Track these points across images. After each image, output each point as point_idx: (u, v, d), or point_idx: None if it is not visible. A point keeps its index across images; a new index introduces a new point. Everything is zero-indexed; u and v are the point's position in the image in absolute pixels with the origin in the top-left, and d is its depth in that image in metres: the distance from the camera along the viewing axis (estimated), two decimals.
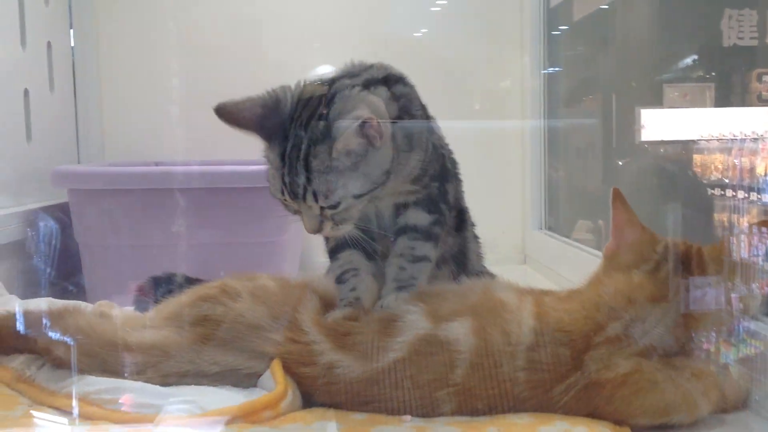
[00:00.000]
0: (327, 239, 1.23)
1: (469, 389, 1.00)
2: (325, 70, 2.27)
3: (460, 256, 1.30)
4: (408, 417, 1.01)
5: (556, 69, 2.36)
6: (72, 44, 2.35)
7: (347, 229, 1.11)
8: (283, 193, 1.08)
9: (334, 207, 1.06)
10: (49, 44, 2.16)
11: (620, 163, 2.09)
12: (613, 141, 2.09)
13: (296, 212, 1.11)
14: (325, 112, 1.06)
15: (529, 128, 2.34)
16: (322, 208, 1.07)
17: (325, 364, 1.06)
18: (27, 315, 1.24)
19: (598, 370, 0.98)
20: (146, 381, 1.09)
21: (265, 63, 2.36)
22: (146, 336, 1.14)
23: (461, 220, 1.30)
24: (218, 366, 1.10)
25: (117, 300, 1.48)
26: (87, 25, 2.36)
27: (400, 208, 1.20)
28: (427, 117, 1.21)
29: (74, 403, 1.05)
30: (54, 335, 1.16)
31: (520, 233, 2.39)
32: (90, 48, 2.37)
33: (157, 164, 2.31)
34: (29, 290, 1.69)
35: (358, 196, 1.07)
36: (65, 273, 1.79)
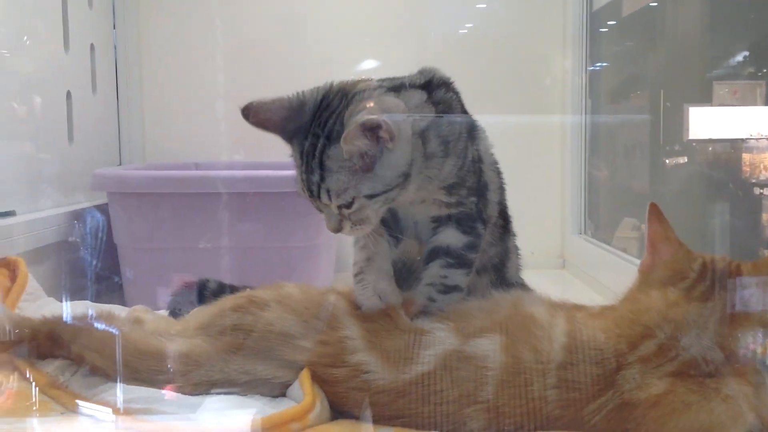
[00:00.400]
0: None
1: (497, 407, 0.97)
2: (370, 65, 2.28)
3: (500, 266, 1.27)
4: None
5: (602, 65, 2.31)
6: (115, 46, 2.37)
7: (367, 230, 1.11)
8: (303, 192, 1.09)
9: (347, 206, 1.07)
10: (92, 46, 2.19)
11: (667, 161, 2.05)
12: (661, 138, 2.04)
13: (320, 210, 1.11)
14: (341, 112, 1.06)
15: (569, 126, 2.29)
16: (339, 207, 1.07)
17: (354, 365, 1.04)
18: (63, 320, 1.26)
19: (630, 390, 0.94)
20: (176, 390, 1.09)
21: (310, 60, 2.36)
22: (176, 345, 1.14)
23: (505, 229, 1.27)
24: (248, 375, 1.09)
25: (160, 293, 1.48)
26: (130, 26, 2.38)
27: (436, 225, 1.18)
28: (471, 127, 1.19)
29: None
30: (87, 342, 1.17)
31: (560, 237, 2.35)
32: (132, 49, 2.39)
33: (197, 165, 2.32)
34: (69, 292, 1.71)
35: (370, 197, 1.07)
36: (104, 274, 1.81)
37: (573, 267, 2.28)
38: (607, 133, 2.31)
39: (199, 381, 1.10)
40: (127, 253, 1.79)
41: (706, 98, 1.80)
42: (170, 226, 1.75)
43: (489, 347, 1.00)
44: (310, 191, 1.07)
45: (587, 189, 2.28)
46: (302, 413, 1.01)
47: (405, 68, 2.40)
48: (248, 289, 1.25)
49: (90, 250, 1.83)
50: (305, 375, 1.06)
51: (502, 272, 1.27)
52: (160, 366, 1.12)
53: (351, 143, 1.02)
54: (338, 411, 1.06)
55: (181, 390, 1.09)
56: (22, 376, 1.18)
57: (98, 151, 2.23)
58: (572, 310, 1.07)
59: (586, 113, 2.27)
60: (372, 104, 1.05)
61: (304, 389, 1.04)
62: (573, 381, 0.95)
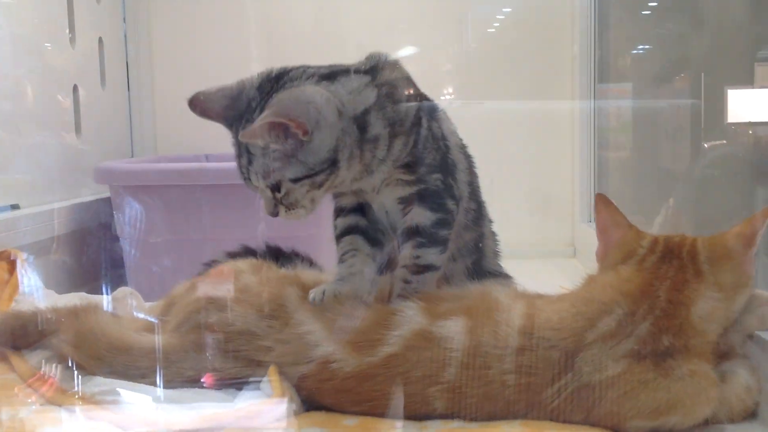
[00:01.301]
0: (335, 227, 1.24)
1: (458, 388, 0.98)
2: (408, 52, 2.28)
3: (476, 251, 1.27)
4: (400, 423, 1.00)
5: (644, 48, 2.27)
6: (125, 39, 2.39)
7: (301, 215, 1.14)
8: (241, 174, 1.14)
9: (276, 189, 1.11)
10: (100, 40, 2.21)
11: (706, 145, 2.00)
12: (702, 122, 2.00)
13: (260, 195, 1.16)
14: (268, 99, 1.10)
15: (578, 112, 2.27)
16: (271, 191, 1.11)
17: (319, 358, 1.05)
18: (47, 313, 1.28)
19: (589, 373, 0.94)
20: (152, 383, 1.11)
21: (343, 48, 2.36)
22: (150, 340, 1.16)
23: (479, 213, 1.27)
24: (220, 372, 1.11)
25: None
26: (140, 19, 2.41)
27: (404, 206, 1.18)
28: (424, 107, 1.20)
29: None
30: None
31: (570, 226, 2.33)
32: (143, 42, 2.41)
33: (207, 157, 2.33)
34: (72, 284, 1.74)
35: (294, 180, 1.11)
36: (109, 266, 1.84)
37: (583, 256, 2.26)
38: (645, 118, 2.26)
39: (171, 377, 1.11)
40: (129, 246, 1.81)
41: (748, 81, 1.76)
42: (170, 217, 1.77)
43: (454, 329, 1.01)
44: (243, 174, 1.13)
45: (596, 175, 2.25)
46: (272, 406, 1.02)
47: (444, 54, 2.39)
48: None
49: (94, 243, 1.87)
50: (272, 371, 1.07)
51: (478, 258, 1.26)
52: (133, 362, 1.14)
53: (253, 139, 1.07)
54: (310, 403, 1.08)
55: (155, 384, 1.11)
56: (10, 366, 1.21)
57: (109, 144, 2.26)
58: (534, 297, 1.08)
59: (594, 98, 2.24)
60: (283, 98, 1.09)
61: (272, 385, 1.05)
62: (530, 366, 0.95)
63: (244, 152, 1.11)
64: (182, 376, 1.11)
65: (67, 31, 2.01)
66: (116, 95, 2.33)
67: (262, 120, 1.05)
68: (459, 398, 0.98)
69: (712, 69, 1.90)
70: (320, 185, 1.12)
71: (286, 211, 1.14)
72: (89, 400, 1.07)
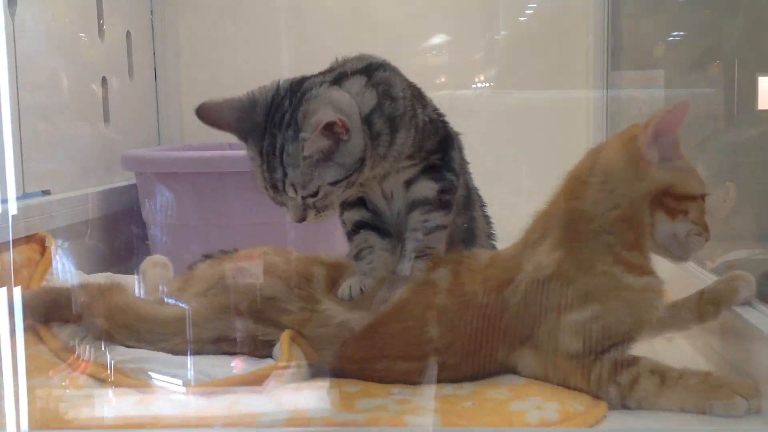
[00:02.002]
0: (344, 222, 1.30)
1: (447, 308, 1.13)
2: (440, 40, 2.33)
3: (469, 235, 1.33)
4: (396, 389, 1.07)
5: (679, 35, 2.28)
6: (152, 32, 2.48)
7: (330, 216, 1.19)
8: (266, 188, 1.17)
9: (314, 195, 1.15)
10: (128, 33, 2.30)
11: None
12: (735, 110, 2.01)
13: (282, 204, 1.19)
14: (294, 111, 1.14)
15: (592, 101, 2.30)
16: (303, 197, 1.15)
17: (338, 324, 1.16)
18: (79, 289, 1.37)
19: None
20: (174, 347, 1.20)
21: (374, 37, 2.41)
22: (174, 309, 1.25)
23: (468, 200, 1.34)
24: (239, 332, 1.19)
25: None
26: (167, 12, 2.49)
27: (408, 184, 1.26)
28: (415, 96, 1.26)
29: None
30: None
31: None
32: (170, 35, 2.49)
33: (230, 146, 2.41)
34: (99, 266, 1.83)
35: (333, 183, 1.15)
36: (135, 249, 1.93)
37: None
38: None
39: (195, 339, 1.20)
40: (154, 230, 1.90)
41: None
42: (193, 203, 1.84)
43: (442, 274, 1.16)
44: (275, 187, 1.15)
45: None
46: (278, 371, 1.10)
47: (475, 43, 2.42)
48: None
49: (124, 226, 1.96)
50: (285, 337, 1.15)
51: (470, 241, 1.33)
52: (158, 329, 1.23)
53: (313, 144, 1.11)
54: (318, 371, 1.16)
55: (177, 346, 1.20)
56: (40, 339, 1.30)
57: (136, 133, 2.35)
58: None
59: (607, 88, 2.27)
60: (325, 105, 1.13)
61: (282, 350, 1.13)
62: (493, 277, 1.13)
63: (278, 166, 1.13)
64: (206, 338, 1.19)
65: (96, 25, 2.10)
66: (144, 86, 2.42)
67: (318, 121, 1.09)
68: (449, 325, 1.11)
69: (744, 56, 1.92)
70: (352, 185, 1.18)
71: (316, 215, 1.17)
72: (115, 368, 1.15)
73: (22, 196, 1.70)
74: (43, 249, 1.62)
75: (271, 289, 1.21)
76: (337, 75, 1.19)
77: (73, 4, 2.01)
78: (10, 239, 1.54)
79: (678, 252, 1.11)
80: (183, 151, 2.29)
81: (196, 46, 2.52)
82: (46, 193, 1.82)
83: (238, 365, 1.17)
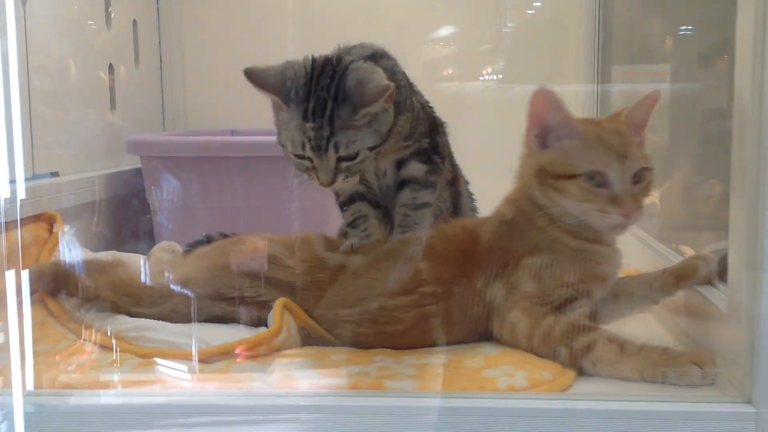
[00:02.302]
0: (338, 195, 1.40)
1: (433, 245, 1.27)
2: (447, 32, 2.39)
3: (455, 207, 1.43)
4: (379, 357, 1.15)
5: (688, 29, 2.31)
6: (158, 20, 2.56)
7: (355, 182, 1.29)
8: (303, 148, 1.24)
9: (352, 158, 1.24)
10: (135, 22, 2.37)
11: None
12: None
13: (307, 170, 1.28)
14: (342, 78, 1.24)
15: (583, 95, 2.36)
16: (338, 160, 1.24)
17: (335, 266, 1.28)
18: (84, 264, 1.46)
19: None
20: (173, 307, 1.29)
21: (379, 27, 2.48)
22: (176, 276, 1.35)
23: (454, 175, 1.43)
24: (237, 291, 1.27)
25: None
26: (172, 1, 2.57)
27: (399, 164, 1.36)
28: (410, 84, 1.37)
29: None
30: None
31: None
32: (174, 23, 2.57)
33: (232, 132, 2.49)
34: (105, 245, 1.91)
35: (371, 148, 1.25)
36: (140, 230, 2.01)
37: None
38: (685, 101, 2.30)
39: (196, 296, 1.29)
40: (158, 212, 1.98)
41: None
42: (196, 186, 1.92)
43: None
44: (318, 146, 1.23)
45: None
46: (269, 337, 1.18)
47: (482, 34, 2.46)
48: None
49: (129, 208, 2.04)
50: (278, 305, 1.23)
51: (456, 213, 1.44)
52: (159, 292, 1.32)
53: (374, 105, 1.22)
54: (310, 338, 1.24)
55: (177, 306, 1.29)
56: (49, 311, 1.38)
57: (142, 119, 2.43)
58: None
59: (598, 82, 2.33)
60: (378, 74, 1.26)
61: (275, 317, 1.21)
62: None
63: (326, 125, 1.22)
64: (206, 295, 1.29)
65: (104, 13, 2.17)
66: (150, 73, 2.50)
67: (382, 87, 1.21)
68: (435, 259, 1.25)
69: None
70: (378, 154, 1.29)
71: (344, 179, 1.26)
72: (115, 336, 1.24)
73: (32, 177, 1.78)
74: (51, 227, 1.70)
75: (272, 249, 1.31)
76: (361, 56, 1.29)
77: None
78: (18, 219, 1.63)
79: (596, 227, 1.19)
80: (185, 136, 2.38)
81: (200, 35, 2.60)
82: (54, 174, 1.90)
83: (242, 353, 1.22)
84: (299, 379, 1.10)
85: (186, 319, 1.28)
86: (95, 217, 1.97)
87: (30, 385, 1.10)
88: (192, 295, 1.28)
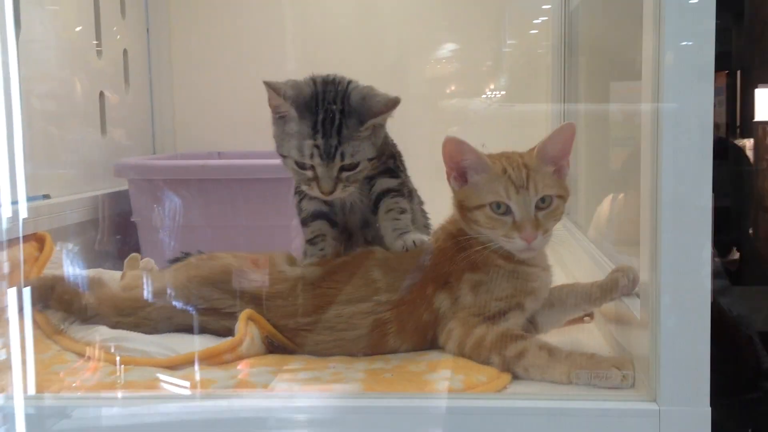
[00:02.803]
0: (300, 210, 1.51)
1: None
2: (451, 48, 2.48)
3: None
4: (332, 364, 1.27)
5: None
6: (148, 48, 2.69)
7: (349, 193, 1.41)
8: (311, 157, 1.36)
9: (354, 167, 1.37)
10: (125, 51, 2.50)
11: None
12: (738, 121, 2.14)
13: (308, 180, 1.39)
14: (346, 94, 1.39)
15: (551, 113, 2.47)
16: (340, 170, 1.36)
17: (294, 278, 1.40)
18: (72, 280, 1.58)
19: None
20: (147, 315, 1.42)
21: (384, 45, 2.63)
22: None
23: (411, 197, 1.55)
24: (205, 302, 1.39)
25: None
26: (162, 30, 2.69)
27: (370, 180, 1.47)
28: None
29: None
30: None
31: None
32: (164, 51, 2.70)
33: (219, 154, 2.62)
34: (90, 261, 2.02)
35: (369, 160, 1.39)
36: (127, 248, 2.12)
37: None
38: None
39: (164, 305, 1.42)
40: (144, 231, 2.10)
41: None
42: (178, 207, 2.04)
43: None
44: (326, 154, 1.35)
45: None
46: (232, 346, 1.29)
47: (484, 52, 2.57)
48: None
49: (116, 227, 2.16)
50: (242, 316, 1.34)
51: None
52: (136, 303, 1.45)
53: (380, 117, 1.38)
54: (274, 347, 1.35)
55: (151, 314, 1.42)
56: (37, 324, 1.50)
57: (132, 142, 2.56)
58: None
59: (564, 102, 2.45)
60: (374, 89, 1.42)
61: (239, 327, 1.32)
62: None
63: (334, 135, 1.35)
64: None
65: (95, 43, 2.30)
66: (139, 99, 2.62)
67: (391, 101, 1.37)
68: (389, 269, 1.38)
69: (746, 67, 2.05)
70: (369, 168, 1.41)
71: (343, 189, 1.38)
72: (94, 345, 1.35)
73: (28, 199, 1.90)
74: (41, 247, 1.82)
75: (239, 264, 1.45)
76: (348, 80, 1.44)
77: (74, 24, 2.21)
78: (21, 237, 1.75)
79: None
80: (175, 159, 2.51)
81: (188, 61, 2.73)
82: (46, 197, 2.02)
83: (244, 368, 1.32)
84: (257, 381, 1.21)
85: (159, 327, 1.39)
86: (83, 236, 2.08)
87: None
88: (165, 305, 1.41)
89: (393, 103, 1.38)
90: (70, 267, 1.85)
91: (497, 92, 2.60)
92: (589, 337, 1.46)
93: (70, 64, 2.20)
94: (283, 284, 1.39)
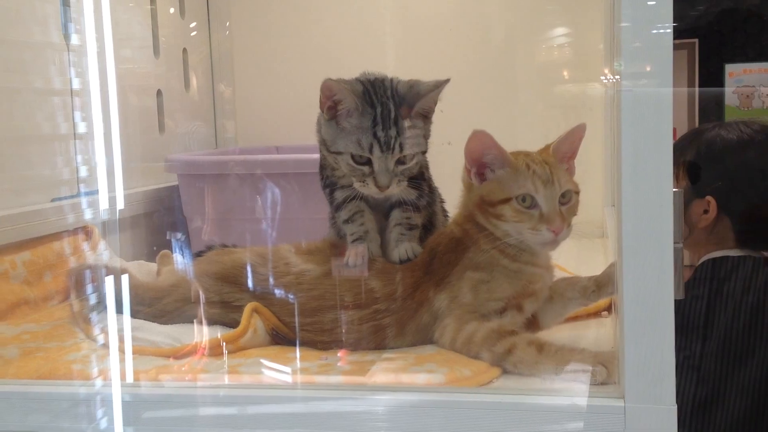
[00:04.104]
0: (333, 200, 1.53)
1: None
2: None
3: (429, 226, 1.54)
4: (324, 356, 1.29)
5: None
6: (209, 47, 2.78)
7: (400, 189, 1.43)
8: (371, 150, 1.39)
9: (409, 160, 1.41)
10: (185, 50, 2.60)
11: None
12: None
13: (363, 177, 1.41)
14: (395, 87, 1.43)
15: (605, 97, 2.40)
16: (398, 163, 1.39)
17: (297, 272, 1.42)
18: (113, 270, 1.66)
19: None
20: (163, 307, 1.48)
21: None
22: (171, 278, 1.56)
23: (431, 198, 1.55)
24: (216, 295, 1.44)
25: None
26: (222, 30, 2.78)
27: None
28: None
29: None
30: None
31: (601, 208, 2.48)
32: (225, 50, 2.79)
33: (277, 149, 2.68)
34: (147, 255, 2.12)
35: (423, 153, 1.44)
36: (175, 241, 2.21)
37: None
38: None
39: (179, 297, 1.49)
40: (193, 224, 2.18)
41: None
42: (225, 200, 2.12)
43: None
44: (387, 145, 1.38)
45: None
46: (235, 337, 1.34)
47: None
48: None
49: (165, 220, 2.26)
50: (247, 309, 1.38)
51: (430, 231, 1.54)
52: (156, 294, 1.52)
53: (431, 98, 1.42)
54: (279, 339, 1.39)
55: (167, 306, 1.48)
56: (73, 312, 1.59)
57: (192, 139, 2.65)
58: None
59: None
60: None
61: (243, 318, 1.37)
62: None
63: (393, 125, 1.38)
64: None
65: (152, 44, 2.41)
66: (202, 97, 2.72)
67: (437, 80, 1.40)
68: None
69: None
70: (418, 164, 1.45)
71: (398, 183, 1.41)
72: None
73: (77, 194, 2.01)
74: (88, 237, 1.92)
75: (249, 259, 1.48)
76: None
77: (131, 25, 2.32)
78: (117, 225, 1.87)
79: (532, 245, 1.32)
80: (235, 153, 2.59)
81: (249, 60, 2.81)
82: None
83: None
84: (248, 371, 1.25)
85: (173, 318, 1.46)
86: (134, 228, 2.19)
87: None
88: (179, 297, 1.47)
89: (441, 83, 1.40)
90: (115, 258, 1.95)
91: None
92: (608, 332, 1.44)
93: (128, 62, 2.30)
94: (287, 277, 1.43)
